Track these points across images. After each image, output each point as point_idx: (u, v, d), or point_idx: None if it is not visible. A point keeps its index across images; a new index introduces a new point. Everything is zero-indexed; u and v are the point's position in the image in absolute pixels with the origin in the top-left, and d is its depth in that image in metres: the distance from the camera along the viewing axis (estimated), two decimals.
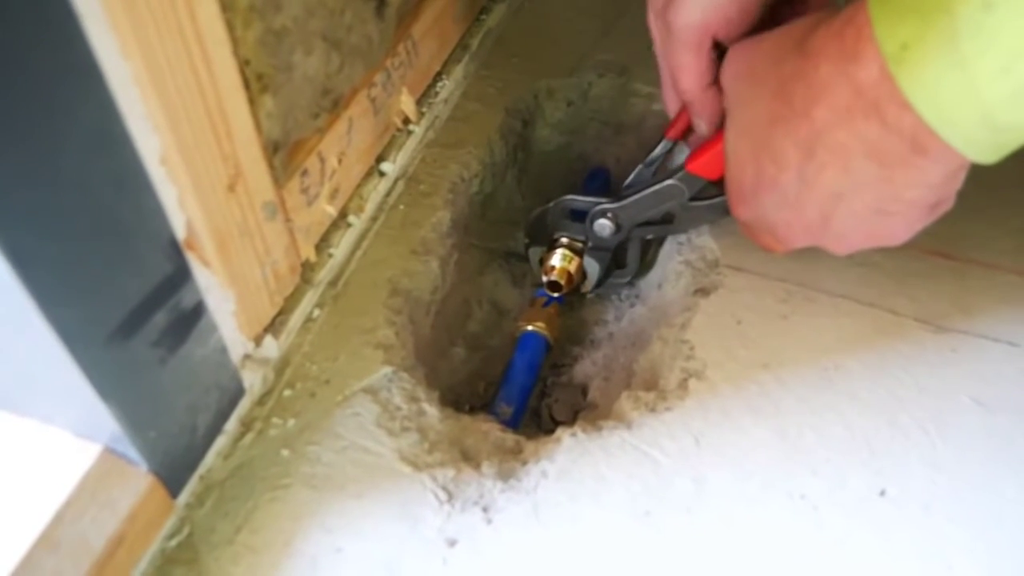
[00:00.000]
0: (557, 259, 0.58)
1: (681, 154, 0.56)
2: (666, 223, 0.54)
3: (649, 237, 0.58)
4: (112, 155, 0.33)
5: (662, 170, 0.54)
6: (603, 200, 0.55)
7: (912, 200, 0.38)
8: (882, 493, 0.42)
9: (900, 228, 0.41)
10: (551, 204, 0.57)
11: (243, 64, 0.40)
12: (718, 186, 0.49)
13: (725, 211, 0.49)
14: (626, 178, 0.56)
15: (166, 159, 0.35)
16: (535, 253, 0.60)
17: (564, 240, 0.58)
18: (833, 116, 0.37)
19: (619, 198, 0.54)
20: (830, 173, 0.39)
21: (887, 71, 0.34)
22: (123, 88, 0.32)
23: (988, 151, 0.35)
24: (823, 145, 0.38)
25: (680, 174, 0.51)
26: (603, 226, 0.55)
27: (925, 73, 0.33)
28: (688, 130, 0.52)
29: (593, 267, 0.58)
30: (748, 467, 0.43)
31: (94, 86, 0.31)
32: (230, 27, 0.38)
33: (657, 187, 0.52)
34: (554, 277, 0.58)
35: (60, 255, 0.31)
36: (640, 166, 0.55)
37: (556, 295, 0.58)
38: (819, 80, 0.37)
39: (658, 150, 0.54)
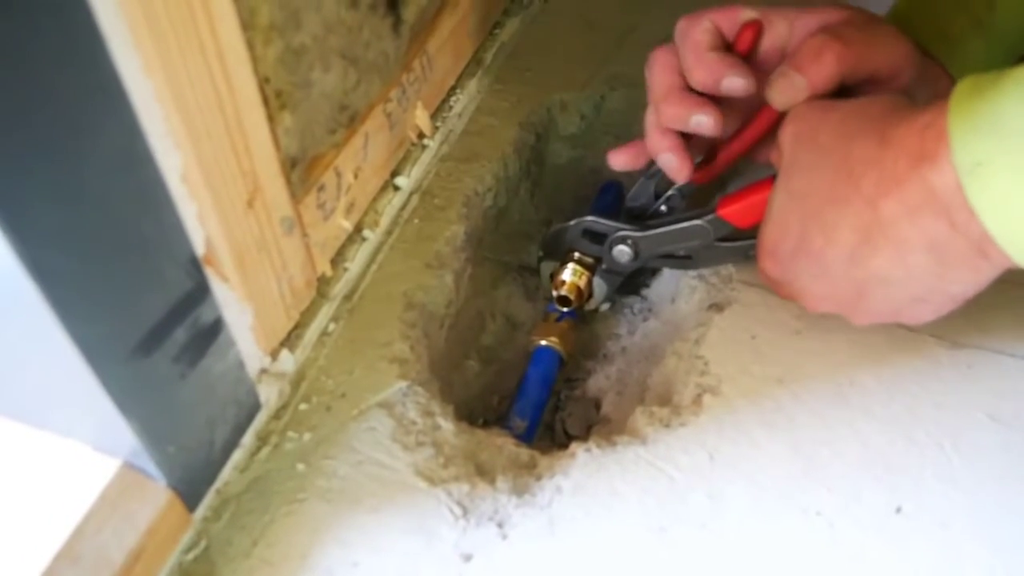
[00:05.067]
0: (568, 274, 0.57)
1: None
2: (685, 259, 0.54)
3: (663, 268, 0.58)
4: (134, 172, 0.33)
5: (664, 179, 0.54)
6: (626, 227, 0.55)
7: (954, 294, 0.39)
8: (898, 510, 0.42)
9: (928, 314, 0.41)
10: (572, 222, 0.56)
11: (263, 81, 0.40)
12: (745, 231, 0.49)
13: (746, 256, 0.49)
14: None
15: (187, 176, 0.36)
16: (547, 267, 0.59)
17: (575, 255, 0.57)
18: (902, 211, 0.37)
19: (643, 227, 0.54)
20: (883, 259, 0.39)
21: (960, 181, 0.35)
22: (145, 106, 0.32)
23: None
24: (884, 234, 0.38)
25: (710, 216, 0.51)
26: (622, 252, 0.55)
27: (994, 191, 0.34)
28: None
29: (601, 288, 0.58)
30: (763, 483, 0.43)
31: (118, 104, 0.31)
32: (250, 45, 0.38)
33: (684, 224, 0.52)
34: (564, 292, 0.57)
35: (83, 271, 0.32)
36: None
37: (566, 310, 0.58)
38: (895, 173, 0.37)
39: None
